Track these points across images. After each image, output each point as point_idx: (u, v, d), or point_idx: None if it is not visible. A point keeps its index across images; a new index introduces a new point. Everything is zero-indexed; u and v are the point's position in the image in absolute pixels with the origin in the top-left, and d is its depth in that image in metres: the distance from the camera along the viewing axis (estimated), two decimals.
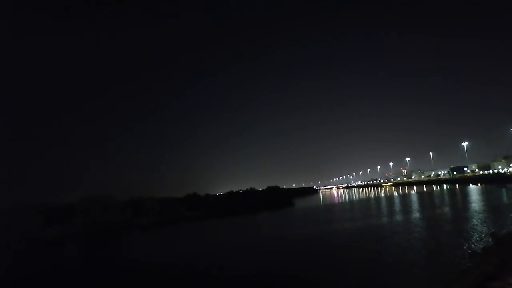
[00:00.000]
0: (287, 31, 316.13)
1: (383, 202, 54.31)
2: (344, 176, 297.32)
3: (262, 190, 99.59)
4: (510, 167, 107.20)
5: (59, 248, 32.63)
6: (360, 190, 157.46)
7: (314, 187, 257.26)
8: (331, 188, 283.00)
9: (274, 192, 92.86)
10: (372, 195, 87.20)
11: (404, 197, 62.29)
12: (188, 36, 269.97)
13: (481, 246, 15.77)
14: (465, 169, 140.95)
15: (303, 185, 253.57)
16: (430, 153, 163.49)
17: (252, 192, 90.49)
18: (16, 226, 41.39)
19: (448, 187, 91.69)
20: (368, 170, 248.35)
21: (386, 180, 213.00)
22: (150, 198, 61.28)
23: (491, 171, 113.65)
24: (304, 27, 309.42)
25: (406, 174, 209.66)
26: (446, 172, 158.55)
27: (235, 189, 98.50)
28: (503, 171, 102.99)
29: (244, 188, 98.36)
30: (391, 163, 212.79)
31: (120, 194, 63.68)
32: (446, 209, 35.29)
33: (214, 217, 49.41)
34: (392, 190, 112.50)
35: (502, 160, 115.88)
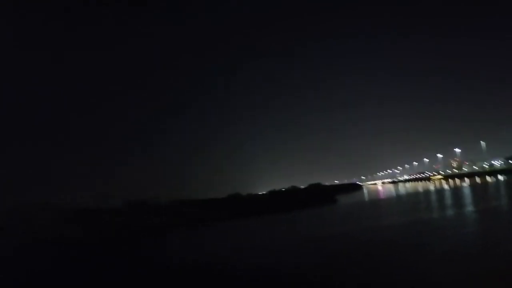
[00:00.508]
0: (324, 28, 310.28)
1: (433, 196, 51.69)
2: (389, 171, 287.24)
3: (304, 188, 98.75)
4: None
5: (115, 249, 33.99)
6: (407, 184, 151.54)
7: (358, 183, 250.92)
8: (376, 184, 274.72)
9: (316, 189, 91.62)
10: (420, 189, 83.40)
11: (455, 190, 58.93)
12: (223, 30, 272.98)
13: None
14: None
15: (346, 181, 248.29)
16: (482, 142, 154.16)
17: (293, 190, 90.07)
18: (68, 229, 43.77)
19: (505, 178, 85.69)
20: (415, 163, 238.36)
21: (434, 173, 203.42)
22: (192, 199, 62.67)
23: None
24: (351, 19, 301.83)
25: (456, 166, 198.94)
26: (501, 161, 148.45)
27: (276, 188, 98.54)
28: None
29: (286, 187, 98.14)
30: (439, 155, 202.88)
31: (163, 196, 65.44)
32: (504, 201, 32.83)
33: (255, 216, 49.45)
34: (442, 183, 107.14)
35: None
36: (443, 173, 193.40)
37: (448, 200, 41.71)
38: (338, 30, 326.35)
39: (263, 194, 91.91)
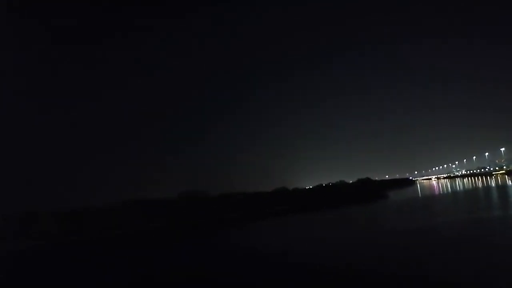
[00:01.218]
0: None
1: (494, 193, 47.95)
2: (445, 165, 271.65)
3: (353, 182, 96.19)
4: None
5: (171, 240, 35.47)
6: (465, 179, 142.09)
7: (411, 178, 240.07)
8: (430, 179, 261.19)
9: (365, 184, 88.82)
10: (479, 185, 77.82)
11: None
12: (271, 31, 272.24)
13: None
14: None
15: (397, 176, 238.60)
16: None
17: (342, 185, 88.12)
18: (122, 220, 46.30)
19: None
20: (474, 157, 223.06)
21: (496, 168, 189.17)
22: (241, 192, 63.30)
23: None
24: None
25: None
26: None
27: (324, 182, 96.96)
28: None
29: (334, 181, 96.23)
30: (502, 149, 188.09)
31: (212, 189, 66.97)
32: None
33: (301, 212, 49.00)
34: (505, 179, 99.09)
35: None
36: (506, 168, 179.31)
37: (510, 197, 38.42)
38: (383, 32, 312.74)
39: (309, 188, 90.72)
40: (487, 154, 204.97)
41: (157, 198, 56.62)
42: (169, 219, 48.71)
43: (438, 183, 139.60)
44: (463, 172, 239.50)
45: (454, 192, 62.50)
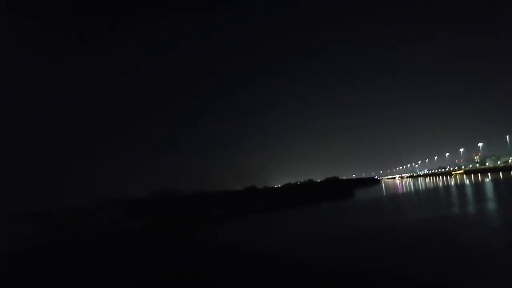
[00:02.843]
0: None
1: (453, 192, 50.43)
2: (409, 165, 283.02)
3: (321, 181, 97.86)
4: None
5: (146, 238, 34.79)
6: (427, 179, 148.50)
7: (376, 177, 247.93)
8: (394, 178, 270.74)
9: (333, 183, 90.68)
10: (440, 184, 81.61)
11: (477, 186, 57.30)
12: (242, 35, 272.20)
13: None
14: None
15: (363, 175, 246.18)
16: (507, 136, 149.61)
17: (310, 183, 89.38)
18: (97, 220, 45.05)
19: None
20: (436, 157, 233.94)
21: (456, 168, 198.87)
22: (217, 191, 62.95)
23: None
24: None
25: (479, 160, 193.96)
26: None
27: (293, 181, 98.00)
28: None
29: (302, 180, 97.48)
30: (461, 149, 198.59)
31: (185, 188, 66.19)
32: None
33: (270, 210, 49.58)
34: (463, 178, 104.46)
35: None
36: (464, 167, 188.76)
37: (469, 196, 40.55)
38: (354, 34, 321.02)
39: (278, 187, 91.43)
40: (447, 154, 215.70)
41: (131, 197, 55.37)
42: (144, 218, 47.72)
43: (401, 182, 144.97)
44: (425, 172, 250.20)
45: (416, 191, 65.19)
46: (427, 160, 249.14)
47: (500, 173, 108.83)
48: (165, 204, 52.52)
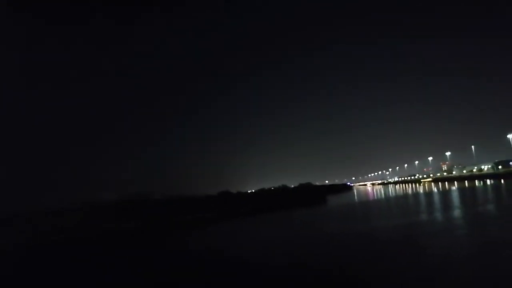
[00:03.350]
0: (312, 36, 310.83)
1: (422, 199, 51.86)
2: (380, 172, 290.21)
3: (294, 187, 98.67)
4: None
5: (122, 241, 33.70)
6: (397, 186, 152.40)
7: (348, 183, 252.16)
8: (366, 185, 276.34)
9: (306, 189, 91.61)
10: (409, 191, 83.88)
11: (444, 194, 59.23)
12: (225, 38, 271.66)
13: None
14: (511, 163, 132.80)
15: (336, 181, 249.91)
16: (472, 146, 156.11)
17: (283, 189, 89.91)
18: (76, 222, 43.62)
19: (492, 182, 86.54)
20: (406, 165, 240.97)
21: (425, 176, 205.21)
22: (183, 196, 62.10)
23: None
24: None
25: (446, 169, 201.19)
26: (489, 166, 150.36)
27: (266, 186, 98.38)
28: None
29: (276, 185, 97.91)
30: (430, 158, 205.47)
31: (155, 193, 65.07)
32: (491, 206, 32.95)
33: (244, 215, 49.31)
34: (431, 186, 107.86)
35: None
36: (432, 175, 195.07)
37: (437, 203, 41.79)
38: (333, 36, 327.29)
39: (251, 192, 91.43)
40: (417, 162, 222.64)
41: (99, 201, 53.98)
42: (110, 222, 46.27)
43: (373, 189, 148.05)
44: (395, 179, 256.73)
45: (387, 198, 66.57)
46: (397, 167, 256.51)
47: (466, 181, 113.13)
48: (132, 209, 51.43)
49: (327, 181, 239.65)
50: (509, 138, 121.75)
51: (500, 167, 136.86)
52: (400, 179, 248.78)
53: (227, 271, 16.11)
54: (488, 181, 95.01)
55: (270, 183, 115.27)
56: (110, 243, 34.12)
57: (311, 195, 78.88)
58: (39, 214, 45.19)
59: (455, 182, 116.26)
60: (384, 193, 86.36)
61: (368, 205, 52.14)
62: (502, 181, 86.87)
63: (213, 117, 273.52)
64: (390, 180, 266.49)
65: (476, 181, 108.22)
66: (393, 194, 79.45)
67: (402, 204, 45.98)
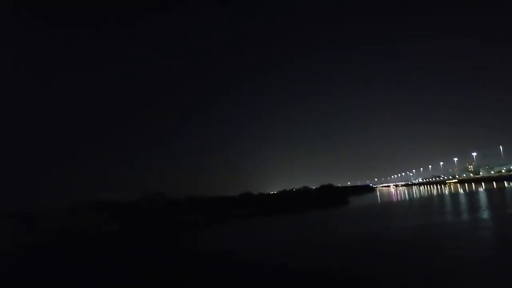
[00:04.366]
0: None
1: (447, 200, 50.70)
2: (403, 173, 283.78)
3: (316, 188, 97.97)
4: None
5: (125, 241, 34.50)
6: (421, 187, 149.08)
7: (371, 185, 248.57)
8: (389, 186, 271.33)
9: (328, 190, 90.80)
10: (434, 192, 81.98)
11: (471, 195, 57.60)
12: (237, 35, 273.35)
13: None
14: None
15: (358, 183, 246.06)
16: (500, 146, 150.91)
17: (305, 190, 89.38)
18: (76, 222, 44.64)
19: None
20: (430, 166, 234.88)
21: (450, 177, 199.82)
22: (202, 196, 62.88)
23: None
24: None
25: (472, 170, 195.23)
26: None
27: (288, 187, 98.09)
28: None
29: (298, 187, 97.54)
30: (455, 159, 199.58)
31: (176, 193, 65.96)
32: None
33: (265, 215, 49.49)
34: (457, 187, 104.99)
35: None
36: (458, 177, 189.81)
37: (463, 205, 40.75)
38: (350, 38, 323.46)
39: (274, 193, 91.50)
40: (441, 163, 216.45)
41: (117, 200, 54.94)
42: (130, 221, 47.35)
43: (396, 190, 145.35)
44: (419, 180, 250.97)
45: (411, 199, 65.32)
46: (421, 169, 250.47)
47: (494, 182, 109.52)
48: (147, 208, 52.33)
49: (349, 183, 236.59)
50: None
51: None
52: (424, 180, 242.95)
53: (231, 271, 16.28)
54: None
55: (292, 185, 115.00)
56: (130, 241, 34.97)
57: (333, 196, 78.21)
58: (43, 213, 46.59)
59: (482, 184, 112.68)
60: (408, 195, 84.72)
61: (390, 206, 51.39)
62: None
63: (237, 118, 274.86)
64: (414, 181, 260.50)
65: (505, 182, 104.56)
66: (417, 195, 77.82)
67: (426, 206, 45.06)
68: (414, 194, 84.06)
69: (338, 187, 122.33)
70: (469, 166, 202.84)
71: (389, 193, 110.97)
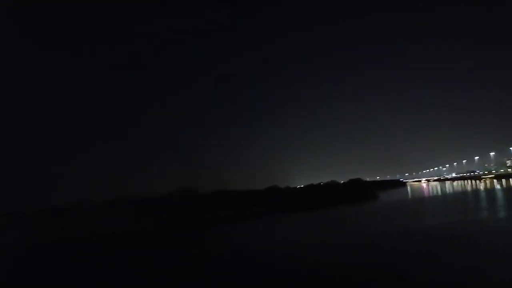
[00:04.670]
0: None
1: (483, 196, 48.42)
2: (436, 168, 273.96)
3: (344, 182, 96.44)
4: None
5: (161, 237, 35.24)
6: (455, 183, 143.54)
7: (401, 179, 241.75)
8: (420, 181, 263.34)
9: (356, 184, 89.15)
10: (468, 188, 78.66)
11: (509, 191, 54.77)
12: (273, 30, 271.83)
13: None
14: None
15: (388, 177, 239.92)
16: None
17: (332, 184, 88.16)
18: (110, 219, 45.83)
19: None
20: (464, 161, 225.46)
21: (486, 172, 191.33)
22: (232, 191, 62.98)
23: None
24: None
25: (510, 165, 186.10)
26: None
27: (315, 181, 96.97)
28: None
29: (325, 181, 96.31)
30: (492, 153, 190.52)
31: (203, 187, 66.28)
32: None
33: (292, 211, 49.13)
34: (494, 183, 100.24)
35: None
36: (494, 172, 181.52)
37: (500, 201, 38.80)
38: (390, 33, 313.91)
39: (300, 187, 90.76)
40: (477, 158, 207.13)
41: (147, 196, 55.98)
42: (160, 217, 48.20)
43: (428, 185, 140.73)
44: (453, 175, 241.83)
45: (444, 195, 63.03)
46: (455, 163, 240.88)
47: None
48: (179, 203, 52.97)
49: (378, 177, 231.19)
50: None
51: None
52: (458, 175, 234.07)
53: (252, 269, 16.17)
54: None
55: (319, 179, 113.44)
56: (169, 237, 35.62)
57: (361, 191, 76.66)
58: (76, 210, 47.89)
59: None
60: (441, 190, 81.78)
61: (422, 202, 49.73)
62: None
63: (268, 110, 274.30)
64: (447, 176, 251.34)
65: None
66: (451, 191, 74.95)
67: (460, 201, 43.23)
68: (447, 190, 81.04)
69: (366, 181, 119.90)
70: (507, 161, 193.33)
71: (421, 188, 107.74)
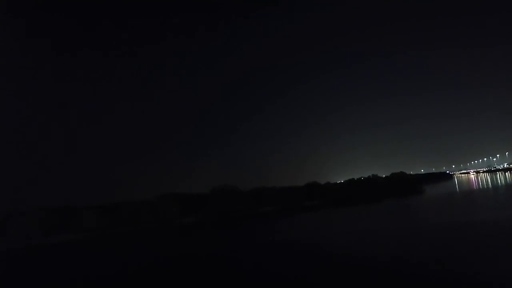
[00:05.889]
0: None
1: None
2: (485, 159, 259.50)
3: (386, 176, 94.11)
4: None
5: (200, 232, 36.54)
6: (507, 174, 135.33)
7: (448, 172, 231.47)
8: (468, 173, 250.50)
9: (399, 178, 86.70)
10: None
11: None
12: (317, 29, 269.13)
13: None
14: None
15: (433, 170, 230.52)
16: None
17: (374, 179, 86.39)
18: (156, 214, 48.04)
19: None
20: None
21: None
22: (271, 187, 63.68)
23: None
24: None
25: None
26: None
27: (356, 176, 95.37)
28: None
29: (366, 175, 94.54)
30: None
31: (243, 184, 67.59)
32: None
33: (333, 206, 48.94)
34: None
35: None
36: None
37: None
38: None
39: (341, 182, 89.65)
40: None
41: (191, 193, 58.03)
42: (203, 213, 49.89)
43: (477, 177, 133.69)
44: (504, 166, 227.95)
45: (495, 187, 59.94)
46: (506, 153, 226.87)
47: None
48: (219, 200, 54.46)
49: (422, 170, 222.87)
50: None
51: None
52: (510, 165, 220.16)
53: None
54: None
55: (360, 173, 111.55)
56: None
57: (405, 185, 74.54)
58: (129, 206, 50.35)
59: None
60: (491, 182, 77.64)
61: (472, 195, 47.61)
62: None
63: (299, 107, 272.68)
64: (498, 167, 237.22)
65: None
66: (503, 183, 70.96)
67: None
68: (499, 181, 76.79)
69: (410, 174, 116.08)
70: None
71: (469, 181, 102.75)
